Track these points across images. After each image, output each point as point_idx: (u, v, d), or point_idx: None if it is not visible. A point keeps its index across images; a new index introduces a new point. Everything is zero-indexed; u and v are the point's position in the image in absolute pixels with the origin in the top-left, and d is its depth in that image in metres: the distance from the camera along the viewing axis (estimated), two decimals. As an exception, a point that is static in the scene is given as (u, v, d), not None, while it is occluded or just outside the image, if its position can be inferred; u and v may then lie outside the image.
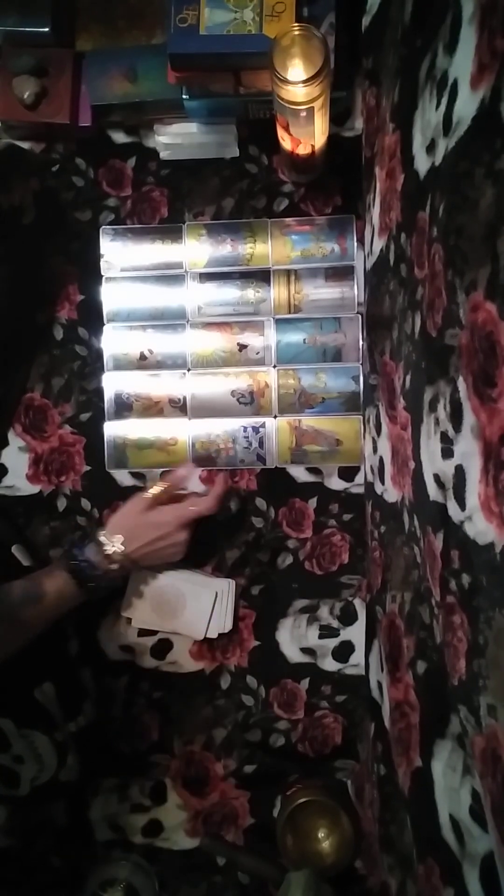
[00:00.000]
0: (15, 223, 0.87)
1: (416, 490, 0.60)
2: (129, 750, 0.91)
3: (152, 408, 0.93)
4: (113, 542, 0.80)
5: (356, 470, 0.90)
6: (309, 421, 0.90)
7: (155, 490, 0.83)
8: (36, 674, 0.79)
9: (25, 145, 0.93)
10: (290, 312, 0.91)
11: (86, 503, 0.92)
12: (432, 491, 0.54)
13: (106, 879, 0.85)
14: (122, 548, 0.80)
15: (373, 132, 0.80)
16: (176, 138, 0.91)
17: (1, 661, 0.72)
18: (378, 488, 0.79)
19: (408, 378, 0.63)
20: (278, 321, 0.91)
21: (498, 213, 0.40)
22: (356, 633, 0.89)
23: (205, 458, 0.91)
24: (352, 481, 0.90)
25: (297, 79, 0.68)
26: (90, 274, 0.93)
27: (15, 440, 0.93)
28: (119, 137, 0.94)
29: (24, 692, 0.77)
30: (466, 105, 0.46)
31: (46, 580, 0.77)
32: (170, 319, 0.93)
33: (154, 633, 0.91)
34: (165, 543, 0.82)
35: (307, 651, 0.89)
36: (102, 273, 0.93)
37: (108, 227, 0.93)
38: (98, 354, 0.93)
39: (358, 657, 0.88)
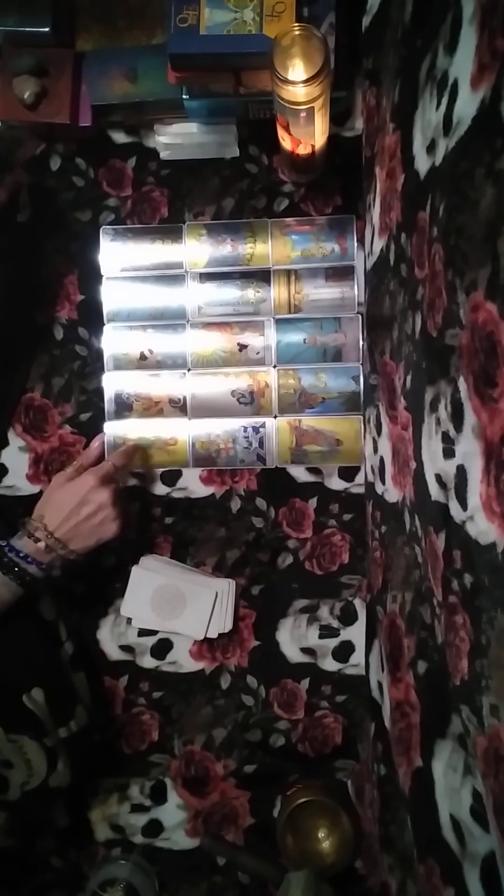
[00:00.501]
0: (10, 220, 0.87)
1: (418, 490, 0.60)
2: (129, 750, 0.91)
3: (152, 408, 0.93)
4: (36, 523, 0.79)
5: (356, 470, 0.90)
6: (309, 421, 0.90)
7: (72, 468, 0.83)
8: (25, 679, 0.78)
9: (25, 145, 0.93)
10: (290, 312, 0.91)
11: (86, 503, 0.92)
12: (434, 491, 0.54)
13: (106, 879, 0.85)
14: (45, 525, 0.79)
15: (373, 132, 0.80)
16: (176, 138, 0.91)
17: None
18: (379, 488, 0.79)
19: (408, 378, 0.63)
20: (278, 321, 0.91)
21: (498, 213, 0.40)
22: (356, 633, 0.89)
23: (205, 458, 0.91)
24: (352, 481, 0.90)
25: (297, 79, 0.68)
26: (90, 274, 0.93)
27: (15, 440, 0.93)
28: (119, 137, 0.94)
29: (13, 698, 0.76)
30: (467, 105, 0.46)
31: None
32: (170, 319, 0.93)
33: (154, 633, 0.91)
34: (90, 510, 0.79)
35: (307, 651, 0.89)
36: (102, 273, 0.93)
37: (108, 227, 0.93)
38: (98, 354, 0.93)
39: (358, 657, 0.88)
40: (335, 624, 0.89)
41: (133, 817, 0.90)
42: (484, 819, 0.47)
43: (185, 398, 0.92)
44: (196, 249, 0.92)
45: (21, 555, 0.77)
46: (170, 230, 0.93)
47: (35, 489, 0.92)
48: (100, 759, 0.89)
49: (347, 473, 0.90)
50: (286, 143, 0.80)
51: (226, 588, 0.89)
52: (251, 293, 0.92)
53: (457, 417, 0.47)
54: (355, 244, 0.90)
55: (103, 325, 0.93)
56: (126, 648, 0.91)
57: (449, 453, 0.49)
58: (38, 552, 0.78)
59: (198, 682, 0.90)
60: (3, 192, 0.84)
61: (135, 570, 0.90)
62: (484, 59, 0.43)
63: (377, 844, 0.77)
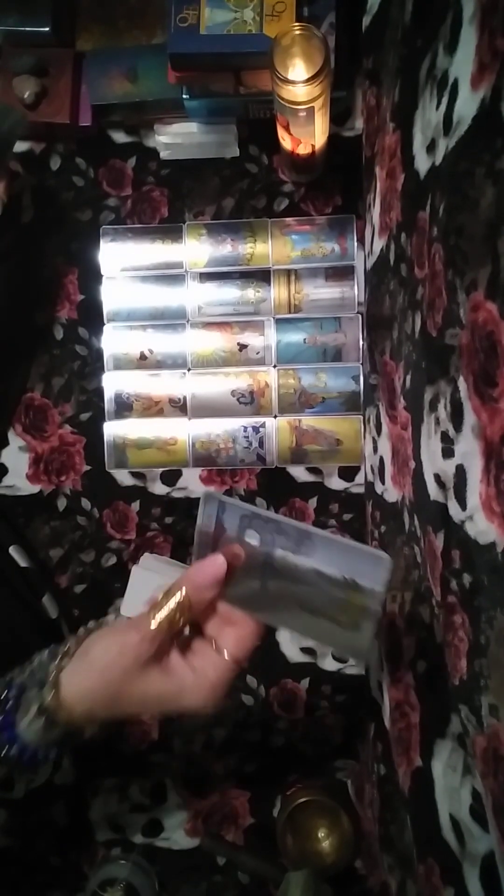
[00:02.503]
0: (13, 221, 0.87)
1: (417, 490, 0.60)
2: (129, 750, 0.91)
3: (152, 408, 0.93)
4: (80, 720, 0.51)
5: (356, 470, 0.90)
6: (309, 421, 0.90)
7: (163, 614, 0.49)
8: None
9: (25, 145, 0.93)
10: (290, 312, 0.91)
11: (86, 503, 0.92)
12: (433, 491, 0.54)
13: (106, 879, 0.85)
14: (94, 726, 0.54)
15: (373, 132, 0.80)
16: (176, 138, 0.91)
17: None
18: (378, 488, 0.79)
19: (408, 378, 0.63)
20: (278, 321, 0.91)
21: (498, 212, 0.40)
22: (356, 632, 0.89)
23: (205, 457, 0.91)
24: (352, 481, 0.90)
25: (297, 78, 0.68)
26: (90, 274, 0.93)
27: (15, 440, 0.93)
28: (119, 137, 0.94)
29: None
30: (467, 105, 0.46)
31: None
32: (170, 319, 0.93)
33: (154, 632, 0.90)
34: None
35: (307, 651, 0.89)
36: (102, 273, 0.93)
37: (108, 226, 0.93)
38: (98, 354, 0.93)
39: (358, 657, 0.88)
40: (335, 624, 0.89)
41: (133, 817, 0.90)
42: (483, 819, 0.47)
43: (185, 398, 0.92)
44: (196, 249, 0.92)
45: (33, 754, 0.52)
46: (170, 230, 0.93)
47: (35, 489, 0.92)
48: (100, 759, 0.89)
49: (347, 473, 0.90)
50: (286, 142, 0.80)
51: (226, 588, 0.88)
52: (251, 293, 0.92)
53: (456, 417, 0.47)
54: (355, 244, 0.90)
55: (103, 324, 0.93)
56: (126, 648, 0.91)
57: (448, 453, 0.49)
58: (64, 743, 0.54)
59: (198, 681, 0.90)
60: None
61: (135, 569, 0.89)
62: (484, 59, 0.43)
63: (377, 844, 0.77)
